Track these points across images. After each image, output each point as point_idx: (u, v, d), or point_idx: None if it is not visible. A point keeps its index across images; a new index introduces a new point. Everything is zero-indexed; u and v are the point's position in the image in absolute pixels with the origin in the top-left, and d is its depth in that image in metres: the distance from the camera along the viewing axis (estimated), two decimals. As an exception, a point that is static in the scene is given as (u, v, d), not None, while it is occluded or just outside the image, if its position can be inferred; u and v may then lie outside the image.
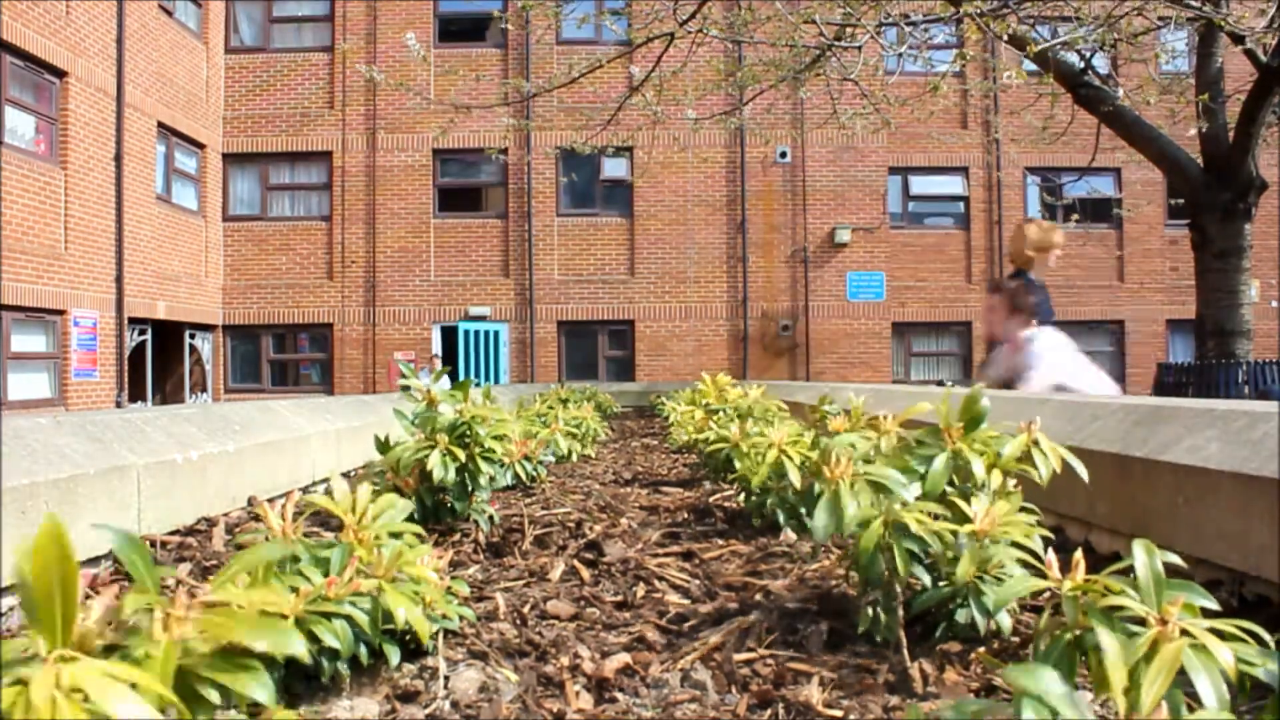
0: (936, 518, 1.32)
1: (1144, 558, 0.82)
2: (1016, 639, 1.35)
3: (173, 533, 2.00)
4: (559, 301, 16.58)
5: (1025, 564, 1.25)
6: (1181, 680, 0.71)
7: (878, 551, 1.26)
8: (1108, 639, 0.71)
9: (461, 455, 2.11)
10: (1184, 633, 0.74)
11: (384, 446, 2.17)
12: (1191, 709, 0.72)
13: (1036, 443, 1.46)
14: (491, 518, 2.18)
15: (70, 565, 0.65)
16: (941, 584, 1.32)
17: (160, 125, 14.64)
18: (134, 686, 0.61)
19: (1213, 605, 0.83)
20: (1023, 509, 1.34)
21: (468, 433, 2.18)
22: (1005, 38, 6.77)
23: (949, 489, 1.40)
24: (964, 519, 1.31)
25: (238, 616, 0.70)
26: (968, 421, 1.44)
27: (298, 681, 1.13)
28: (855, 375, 16.52)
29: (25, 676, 0.60)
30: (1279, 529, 1.36)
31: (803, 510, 1.97)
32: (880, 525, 1.28)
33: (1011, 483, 1.45)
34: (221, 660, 0.70)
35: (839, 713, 1.12)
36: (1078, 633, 0.82)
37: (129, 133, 13.58)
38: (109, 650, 0.67)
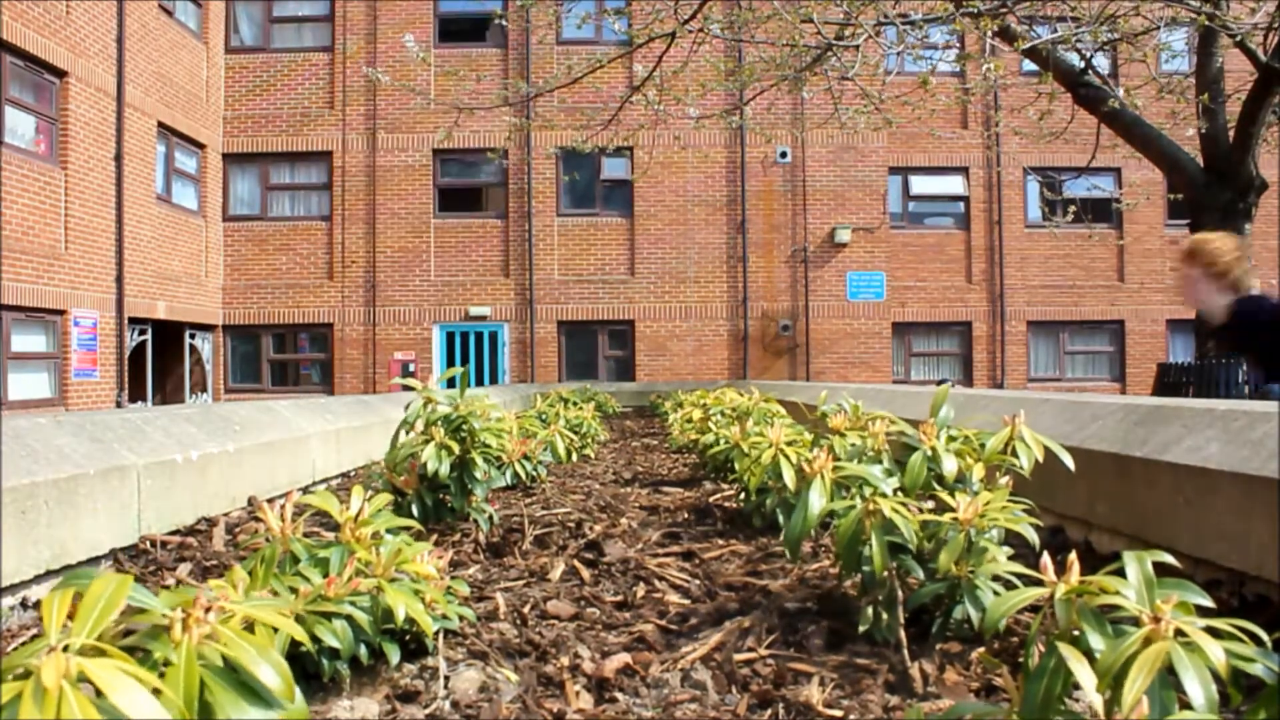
0: (921, 510, 1.33)
1: (1135, 565, 0.83)
2: (1015, 639, 1.35)
3: (173, 532, 2.01)
4: (559, 301, 16.57)
5: (1019, 559, 1.25)
6: (1177, 682, 0.72)
7: (855, 540, 1.27)
8: (1068, 649, 0.70)
9: (456, 449, 2.11)
10: (1178, 632, 0.74)
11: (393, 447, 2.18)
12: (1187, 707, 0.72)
13: (1021, 436, 1.47)
14: (491, 517, 2.18)
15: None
16: (936, 579, 1.33)
17: (160, 125, 14.63)
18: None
19: (1208, 603, 0.83)
20: (1014, 500, 1.35)
21: (463, 426, 2.17)
22: (991, 34, 6.77)
23: (936, 486, 1.41)
24: (948, 511, 1.32)
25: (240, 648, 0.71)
26: (937, 420, 1.48)
27: (298, 681, 1.13)
28: (855, 375, 16.51)
29: (33, 667, 0.60)
30: (1279, 529, 1.36)
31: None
32: (858, 516, 1.29)
33: (1004, 479, 1.46)
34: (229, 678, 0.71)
35: (839, 712, 1.12)
36: (1075, 634, 0.82)
37: (129, 133, 13.58)
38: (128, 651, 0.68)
